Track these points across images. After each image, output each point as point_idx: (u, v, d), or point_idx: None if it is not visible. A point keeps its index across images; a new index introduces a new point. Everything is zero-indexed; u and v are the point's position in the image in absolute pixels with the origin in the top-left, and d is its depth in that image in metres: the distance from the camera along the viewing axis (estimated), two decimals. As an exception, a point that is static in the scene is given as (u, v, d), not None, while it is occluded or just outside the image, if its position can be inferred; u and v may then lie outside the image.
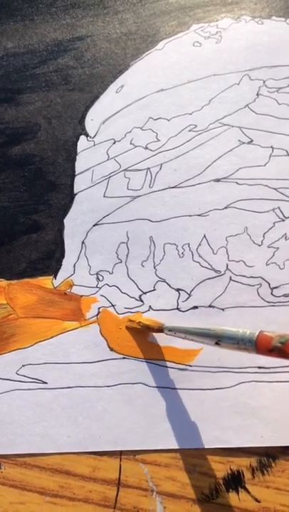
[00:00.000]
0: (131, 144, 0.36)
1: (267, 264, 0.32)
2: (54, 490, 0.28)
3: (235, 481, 0.27)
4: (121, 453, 0.28)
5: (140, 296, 0.33)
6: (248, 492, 0.26)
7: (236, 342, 0.24)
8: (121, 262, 0.34)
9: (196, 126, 0.36)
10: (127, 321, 0.32)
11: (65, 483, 0.28)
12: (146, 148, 0.36)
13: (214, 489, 0.27)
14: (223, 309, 0.32)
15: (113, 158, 0.36)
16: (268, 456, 0.27)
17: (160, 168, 0.35)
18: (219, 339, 0.25)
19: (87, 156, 0.37)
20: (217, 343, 0.25)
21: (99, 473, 0.28)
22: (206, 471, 0.27)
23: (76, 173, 0.36)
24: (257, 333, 0.23)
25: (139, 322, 0.31)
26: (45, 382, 0.32)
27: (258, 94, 0.36)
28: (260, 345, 0.23)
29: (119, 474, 0.28)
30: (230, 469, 0.27)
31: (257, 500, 0.26)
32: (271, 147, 0.34)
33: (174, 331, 0.28)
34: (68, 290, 0.34)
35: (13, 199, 0.37)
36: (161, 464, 0.28)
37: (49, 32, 0.41)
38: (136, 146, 0.36)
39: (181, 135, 0.36)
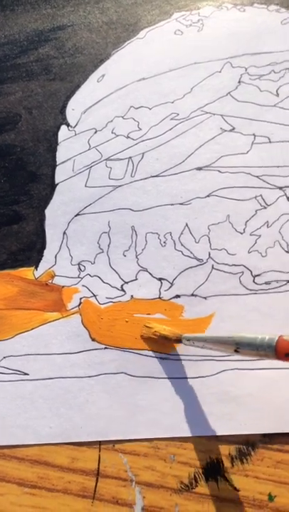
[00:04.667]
0: (112, 133, 0.36)
1: (249, 252, 0.32)
2: (33, 481, 0.28)
3: (214, 470, 0.26)
4: (100, 443, 0.28)
5: (122, 285, 0.32)
6: (227, 481, 0.26)
7: (255, 348, 0.23)
8: (103, 251, 0.33)
9: (177, 114, 0.35)
10: (143, 328, 0.31)
11: (44, 474, 0.28)
12: (127, 137, 0.35)
13: (193, 478, 0.27)
14: (205, 298, 0.31)
15: (94, 147, 0.36)
16: (247, 445, 0.27)
17: (142, 157, 0.35)
18: (238, 346, 0.23)
19: (68, 145, 0.36)
20: (236, 351, 0.24)
21: (78, 464, 0.28)
22: (186, 460, 0.27)
23: (57, 163, 0.36)
24: (276, 338, 0.22)
25: (156, 332, 0.30)
26: (27, 374, 0.31)
27: (239, 82, 0.35)
28: (279, 350, 0.21)
29: (98, 464, 0.27)
30: (210, 458, 0.27)
31: (236, 489, 0.26)
32: (253, 135, 0.34)
33: (192, 340, 0.27)
34: (50, 281, 0.33)
35: (-6, 190, 0.36)
36: (140, 454, 0.27)
37: (30, 22, 0.41)
38: (117, 136, 0.36)
39: (163, 124, 0.35)
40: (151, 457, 0.27)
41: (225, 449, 0.27)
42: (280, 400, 0.29)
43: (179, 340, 0.29)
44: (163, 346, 0.30)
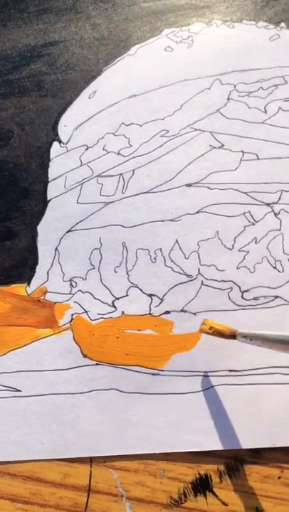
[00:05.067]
0: (103, 149, 0.36)
1: (237, 268, 0.32)
2: (25, 497, 0.28)
3: (203, 485, 0.27)
4: (91, 459, 0.29)
5: (113, 301, 0.33)
6: (216, 496, 0.27)
7: None
8: (94, 268, 0.34)
9: (167, 131, 0.36)
10: (201, 324, 0.30)
11: (36, 490, 0.28)
12: (118, 154, 0.36)
13: (183, 493, 0.27)
14: (195, 313, 0.32)
15: (86, 164, 0.36)
16: (235, 460, 0.27)
17: (132, 174, 0.35)
18: None
19: (60, 162, 0.37)
20: None
21: (69, 480, 0.28)
22: (175, 475, 0.27)
23: (49, 179, 0.36)
24: None
25: (211, 327, 0.29)
26: (19, 390, 0.32)
27: (228, 99, 0.36)
28: None
29: (90, 480, 0.28)
30: (199, 473, 0.27)
31: (224, 504, 0.26)
32: (242, 151, 0.34)
33: (249, 337, 0.27)
34: (42, 297, 0.34)
35: (-14, 206, 0.37)
36: (131, 470, 0.28)
37: (22, 37, 0.41)
38: (108, 152, 0.36)
39: (153, 140, 0.36)
40: (141, 473, 0.28)
41: (214, 465, 0.27)
42: (268, 415, 0.29)
43: (233, 336, 0.28)
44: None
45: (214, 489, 0.27)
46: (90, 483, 0.28)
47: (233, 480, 0.27)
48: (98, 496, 0.28)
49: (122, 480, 0.28)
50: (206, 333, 0.30)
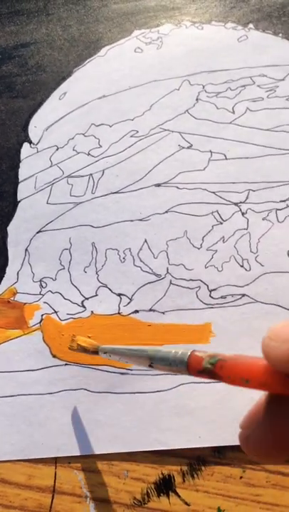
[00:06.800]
0: (74, 150, 0.36)
1: (206, 267, 0.32)
2: (-11, 498, 0.28)
3: (166, 486, 0.27)
4: (56, 460, 0.29)
5: (82, 301, 0.33)
6: (178, 496, 0.27)
7: (168, 364, 0.21)
8: (64, 268, 0.34)
9: (137, 131, 0.36)
10: (69, 341, 0.30)
11: (0, 491, 0.28)
12: (88, 154, 0.36)
13: (146, 494, 0.27)
14: (163, 313, 0.32)
15: (56, 164, 0.36)
16: (198, 460, 0.28)
17: (102, 174, 0.35)
18: (152, 361, 0.22)
19: (30, 163, 0.37)
20: (150, 366, 0.22)
21: (34, 481, 0.28)
22: (138, 476, 0.28)
23: (19, 180, 0.36)
24: (189, 353, 0.20)
25: (78, 344, 0.29)
26: (-12, 391, 0.32)
27: (197, 99, 0.36)
28: (191, 366, 0.20)
29: (54, 481, 0.28)
30: (162, 474, 0.28)
31: (187, 504, 0.26)
32: (210, 151, 0.35)
33: (109, 353, 0.27)
34: (12, 298, 0.34)
35: None
36: (95, 471, 0.28)
37: (-7, 39, 0.41)
38: (78, 153, 0.36)
39: (123, 141, 0.36)
40: (105, 474, 0.28)
41: (177, 465, 0.28)
42: (235, 413, 0.29)
43: (96, 352, 0.28)
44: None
45: (177, 489, 0.27)
46: (54, 485, 0.28)
47: (196, 480, 0.27)
48: (63, 497, 0.28)
49: (86, 481, 0.28)
50: (74, 350, 0.29)
